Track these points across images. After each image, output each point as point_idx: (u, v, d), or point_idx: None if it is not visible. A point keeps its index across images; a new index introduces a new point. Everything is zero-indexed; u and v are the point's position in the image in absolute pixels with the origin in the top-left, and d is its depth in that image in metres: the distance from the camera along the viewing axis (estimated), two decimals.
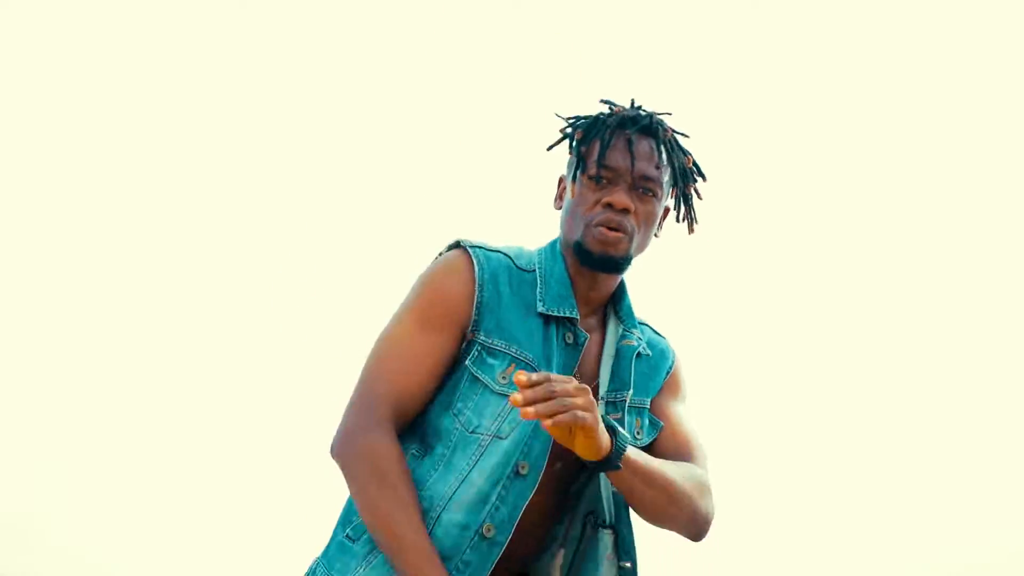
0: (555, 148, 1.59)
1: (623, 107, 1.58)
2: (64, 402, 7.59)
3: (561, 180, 1.60)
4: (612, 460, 1.29)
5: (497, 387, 1.42)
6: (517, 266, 1.52)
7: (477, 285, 1.46)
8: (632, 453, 1.32)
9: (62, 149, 8.74)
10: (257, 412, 7.31)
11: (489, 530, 1.38)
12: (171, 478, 5.70)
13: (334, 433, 1.41)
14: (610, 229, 1.46)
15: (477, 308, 1.45)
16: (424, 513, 1.35)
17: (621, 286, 1.60)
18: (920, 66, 8.85)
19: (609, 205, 1.47)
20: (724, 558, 4.64)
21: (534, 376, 1.18)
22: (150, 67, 8.62)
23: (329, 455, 1.41)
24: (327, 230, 9.02)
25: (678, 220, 1.60)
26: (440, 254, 1.54)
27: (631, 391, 1.52)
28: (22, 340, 8.54)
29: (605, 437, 1.26)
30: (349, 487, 1.39)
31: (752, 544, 5.16)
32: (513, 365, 1.42)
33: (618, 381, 1.53)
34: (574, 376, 1.44)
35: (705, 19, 8.67)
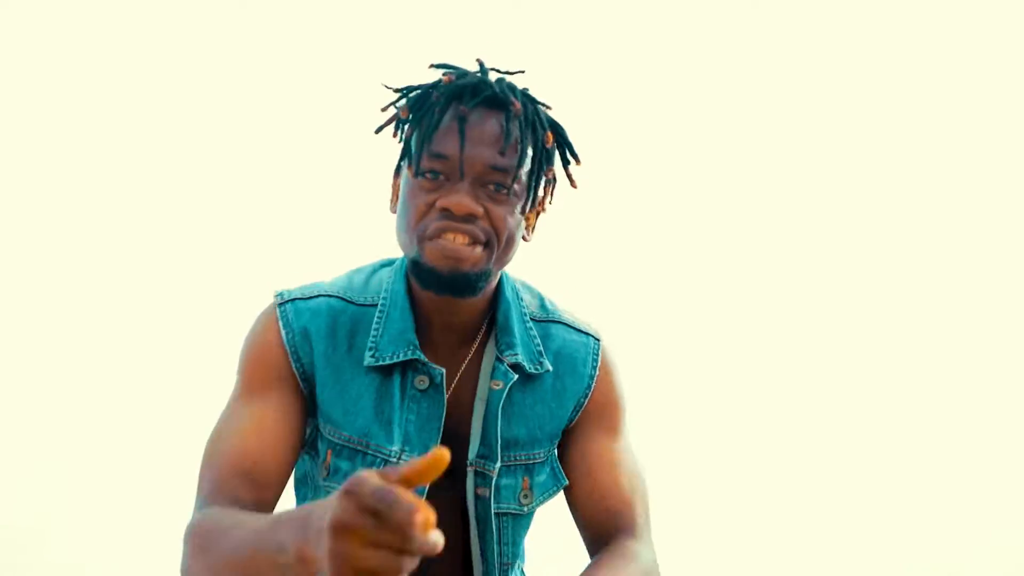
0: (384, 130, 1.17)
1: (460, 71, 1.16)
2: (63, 416, 7.59)
3: (394, 180, 1.22)
4: None
5: (322, 483, 1.18)
6: (355, 303, 1.20)
7: (288, 344, 1.17)
8: None
9: (62, 149, 8.73)
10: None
11: None
12: (172, 492, 5.70)
13: None
14: (455, 237, 1.09)
15: (297, 369, 1.17)
16: None
17: (498, 290, 1.23)
18: (918, 66, 8.87)
19: (446, 211, 1.10)
20: (725, 558, 4.65)
21: (366, 491, 0.65)
22: (150, 67, 8.61)
23: None
24: (323, 226, 9.00)
25: (531, 209, 1.18)
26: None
27: (498, 462, 1.19)
28: (16, 349, 8.52)
29: None
30: None
31: (753, 544, 5.18)
32: (330, 452, 1.15)
33: (485, 442, 1.19)
34: (440, 433, 1.15)
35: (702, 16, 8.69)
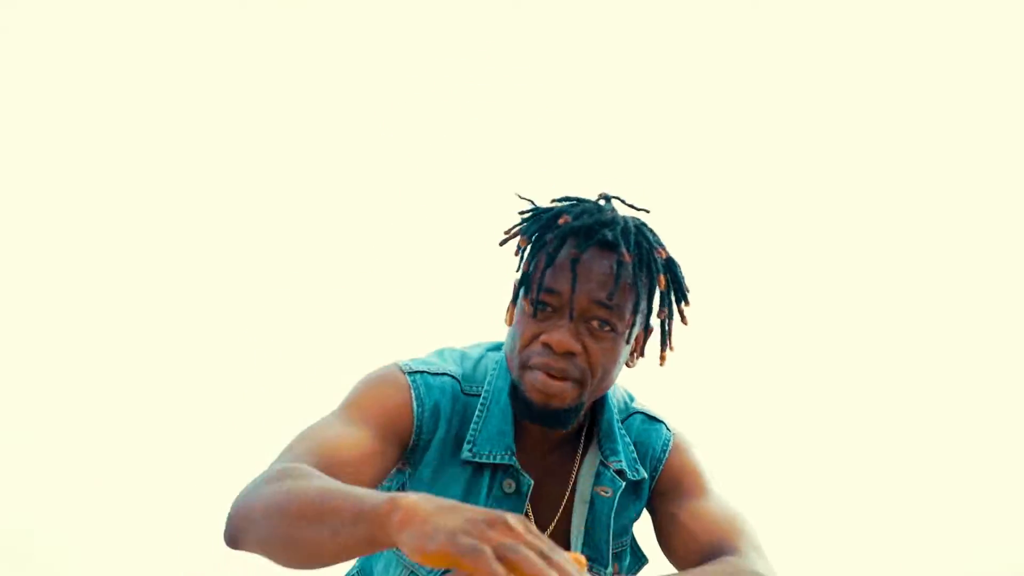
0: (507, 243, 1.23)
1: (581, 203, 1.20)
2: (55, 418, 7.60)
3: (511, 303, 1.26)
4: None
5: (406, 561, 1.20)
6: (464, 390, 1.23)
7: (415, 422, 1.19)
8: None
9: (62, 149, 8.71)
10: (253, 430, 7.33)
11: None
12: (165, 494, 5.72)
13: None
14: (551, 377, 1.15)
15: (415, 435, 1.19)
16: None
17: (601, 412, 1.27)
18: (918, 67, 8.78)
19: (548, 346, 1.15)
20: None
21: None
22: (150, 67, 8.56)
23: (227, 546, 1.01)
24: (327, 231, 8.99)
25: (638, 344, 1.25)
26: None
27: (609, 567, 1.22)
28: (9, 354, 8.55)
29: None
30: (260, 535, 0.94)
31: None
32: None
33: (591, 545, 1.22)
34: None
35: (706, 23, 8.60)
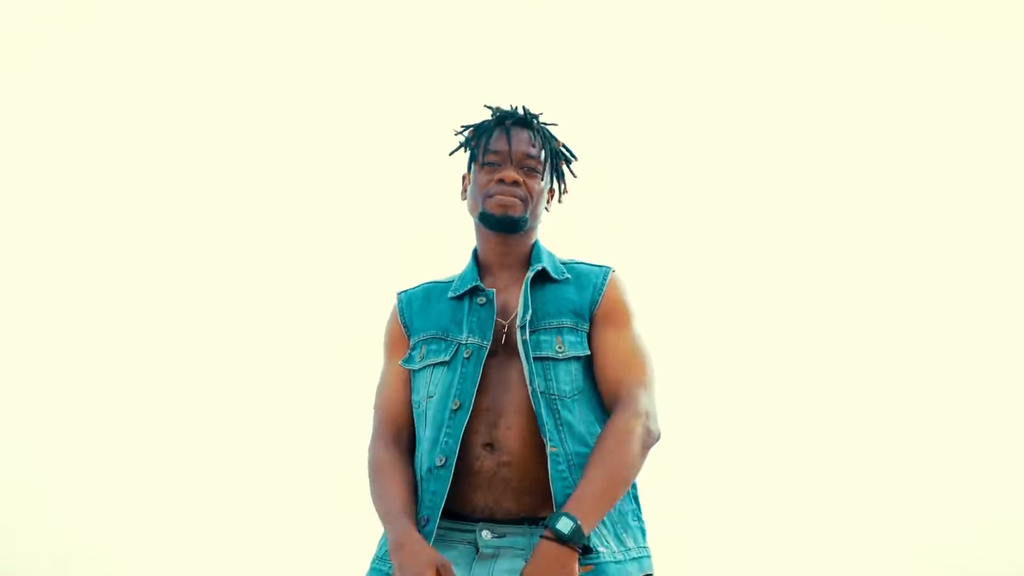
0: (456, 153, 1.92)
1: (503, 108, 1.90)
2: (49, 385, 7.54)
3: (464, 177, 1.94)
4: (584, 548, 1.57)
5: (418, 364, 1.83)
6: (441, 283, 1.91)
7: (400, 315, 1.91)
8: (582, 532, 1.52)
9: (62, 149, 8.69)
10: (249, 406, 7.30)
11: (441, 460, 1.69)
12: (157, 462, 5.66)
13: None
14: (504, 196, 1.77)
15: (404, 329, 1.89)
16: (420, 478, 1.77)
17: (535, 248, 1.88)
18: (916, 68, 8.88)
19: (501, 180, 1.79)
20: (726, 557, 4.63)
21: None
22: (150, 67, 8.57)
23: None
24: (342, 230, 8.96)
25: (559, 199, 1.92)
26: None
27: (530, 311, 1.77)
28: (14, 328, 8.50)
29: (571, 559, 1.52)
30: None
31: (755, 543, 5.15)
32: (424, 346, 1.82)
33: (528, 309, 1.79)
34: (496, 322, 1.79)
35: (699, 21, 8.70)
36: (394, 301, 1.93)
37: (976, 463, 7.46)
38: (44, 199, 8.52)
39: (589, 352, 1.78)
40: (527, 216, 1.80)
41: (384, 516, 1.67)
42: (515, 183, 1.78)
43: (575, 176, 1.93)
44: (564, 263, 1.88)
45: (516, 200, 1.77)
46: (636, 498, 1.79)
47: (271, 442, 6.96)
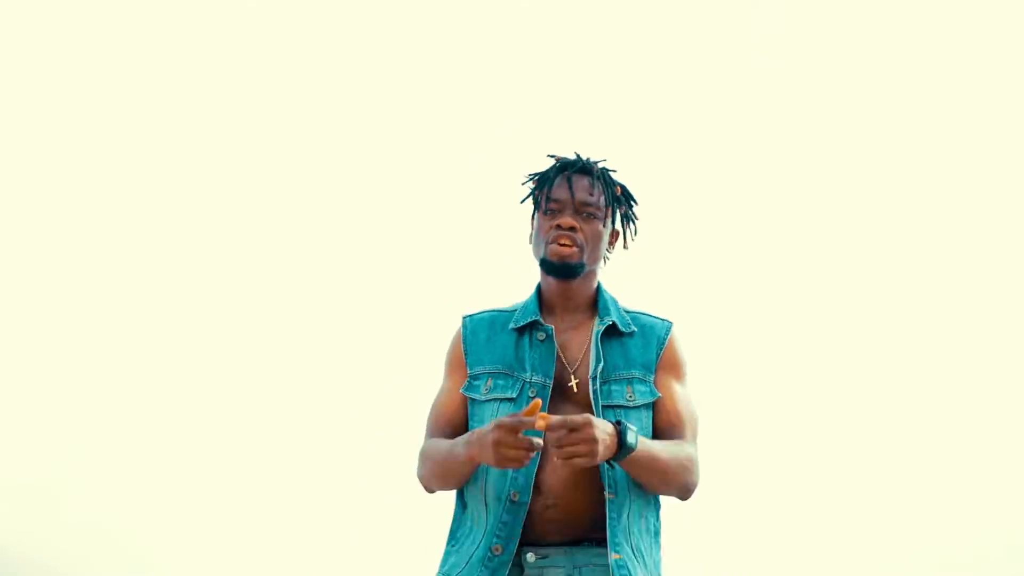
0: (526, 201, 2.04)
1: (565, 157, 2.01)
2: (80, 374, 7.64)
3: (532, 221, 2.05)
4: (619, 459, 1.72)
5: (483, 396, 1.93)
6: (503, 312, 2.01)
7: (463, 341, 2.00)
8: (635, 451, 1.70)
9: (62, 149, 8.73)
10: (265, 403, 7.36)
11: (515, 495, 1.82)
12: (183, 450, 5.80)
13: None
14: (562, 245, 1.89)
15: (464, 356, 1.98)
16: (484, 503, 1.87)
17: (598, 291, 2.01)
18: (915, 68, 8.95)
19: (559, 226, 1.91)
20: (726, 556, 4.77)
21: (552, 420, 1.64)
22: (150, 68, 8.63)
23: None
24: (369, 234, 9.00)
25: (625, 245, 2.03)
26: None
27: (602, 363, 1.91)
28: (43, 320, 8.57)
29: (609, 449, 1.67)
30: (434, 482, 1.93)
31: (753, 542, 5.26)
32: (490, 379, 1.93)
33: (600, 360, 1.92)
34: (556, 362, 1.91)
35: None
36: (458, 325, 2.03)
37: (976, 463, 7.52)
38: (76, 200, 8.55)
39: (659, 395, 1.92)
40: (584, 262, 1.91)
41: (448, 450, 1.81)
42: (572, 228, 1.89)
43: (636, 219, 2.02)
44: (628, 312, 2.00)
45: (573, 248, 1.89)
46: (657, 532, 1.93)
47: (306, 442, 7.03)
